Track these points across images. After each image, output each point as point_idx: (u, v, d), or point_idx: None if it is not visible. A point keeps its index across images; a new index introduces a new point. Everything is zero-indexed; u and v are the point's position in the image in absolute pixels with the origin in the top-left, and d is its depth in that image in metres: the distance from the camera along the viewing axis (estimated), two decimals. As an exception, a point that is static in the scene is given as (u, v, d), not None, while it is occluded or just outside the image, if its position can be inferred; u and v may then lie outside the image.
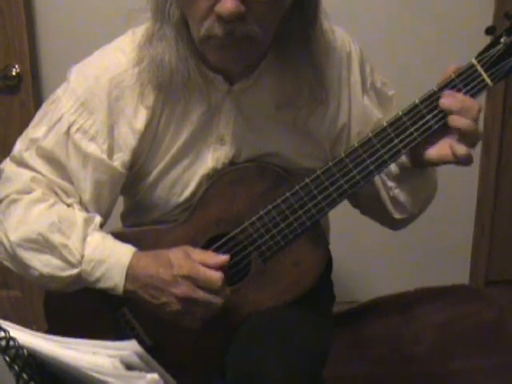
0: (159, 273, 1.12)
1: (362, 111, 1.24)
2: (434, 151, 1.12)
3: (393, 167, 1.21)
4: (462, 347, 2.10)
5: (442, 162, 1.12)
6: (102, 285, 1.14)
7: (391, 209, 1.26)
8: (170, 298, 1.12)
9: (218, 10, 1.00)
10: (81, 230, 1.14)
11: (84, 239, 1.14)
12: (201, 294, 1.12)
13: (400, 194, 1.23)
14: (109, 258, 1.13)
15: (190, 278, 1.11)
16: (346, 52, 1.23)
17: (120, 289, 1.14)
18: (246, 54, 1.07)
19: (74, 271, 1.13)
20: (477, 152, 2.28)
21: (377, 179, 1.25)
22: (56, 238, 1.14)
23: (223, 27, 1.01)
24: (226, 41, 1.03)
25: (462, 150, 1.08)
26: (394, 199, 1.24)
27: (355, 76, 1.23)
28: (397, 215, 1.27)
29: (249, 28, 1.02)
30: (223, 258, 1.15)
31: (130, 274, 1.13)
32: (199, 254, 1.14)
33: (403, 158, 1.17)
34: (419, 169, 1.18)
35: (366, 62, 1.26)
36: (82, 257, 1.13)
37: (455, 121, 1.08)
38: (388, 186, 1.24)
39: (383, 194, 1.25)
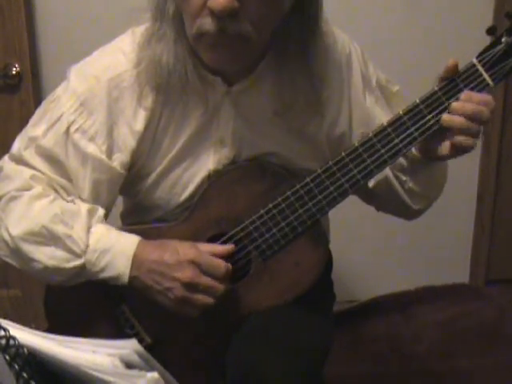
0: (164, 258, 1.13)
1: (365, 113, 1.24)
2: (444, 147, 1.11)
3: (404, 162, 1.21)
4: (462, 346, 2.10)
5: (454, 156, 1.12)
6: (107, 274, 1.14)
7: (409, 201, 1.26)
8: (174, 282, 1.12)
9: (210, 5, 1.00)
10: (85, 220, 1.14)
11: (88, 229, 1.14)
12: (204, 279, 1.12)
13: (416, 186, 1.23)
14: (114, 247, 1.14)
15: (195, 263, 1.12)
16: (345, 54, 1.23)
17: (125, 277, 1.13)
18: (239, 53, 1.07)
19: (79, 262, 1.13)
20: (477, 150, 2.28)
21: (390, 176, 1.25)
22: (60, 229, 1.13)
23: (215, 23, 1.01)
24: (218, 38, 1.03)
25: (464, 141, 1.08)
26: (410, 192, 1.25)
27: (356, 78, 1.23)
28: (416, 206, 1.27)
29: (242, 26, 1.02)
30: (228, 246, 1.16)
31: (136, 261, 1.13)
32: (205, 245, 1.16)
33: (414, 153, 1.17)
34: (432, 162, 1.18)
35: (368, 63, 1.26)
36: (87, 247, 1.13)
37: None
38: (402, 180, 1.24)
39: (399, 189, 1.25)
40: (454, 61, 1.08)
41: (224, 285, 1.14)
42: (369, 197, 1.34)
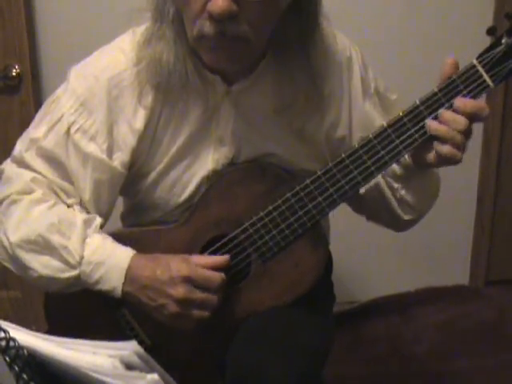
0: (157, 274, 1.12)
1: (364, 116, 1.24)
2: (432, 154, 1.10)
3: (397, 168, 1.20)
4: (462, 347, 2.10)
5: (439, 165, 1.11)
6: (101, 287, 1.14)
7: (399, 211, 1.25)
8: (167, 299, 1.12)
9: (209, 8, 1.00)
10: (80, 232, 1.14)
11: (83, 240, 1.14)
12: (198, 295, 1.12)
13: (407, 195, 1.23)
14: (108, 260, 1.13)
15: (188, 279, 1.11)
16: (346, 56, 1.23)
17: (118, 291, 1.14)
18: (239, 55, 1.07)
19: (73, 273, 1.13)
20: (477, 151, 2.28)
21: (382, 182, 1.25)
22: (56, 239, 1.14)
23: (214, 26, 1.02)
24: (217, 41, 1.03)
25: (449, 152, 1.07)
26: (401, 201, 1.24)
27: (356, 80, 1.23)
28: (406, 216, 1.26)
29: (240, 28, 1.02)
30: (223, 257, 1.15)
31: (129, 276, 1.13)
32: (198, 258, 1.15)
33: (407, 159, 1.16)
34: (425, 169, 1.18)
35: (367, 67, 1.26)
36: (82, 258, 1.13)
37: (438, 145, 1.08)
38: (394, 187, 1.23)
39: (389, 196, 1.25)
40: (452, 59, 1.08)
41: (218, 296, 1.14)
42: (359, 205, 1.33)
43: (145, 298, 1.14)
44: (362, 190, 1.27)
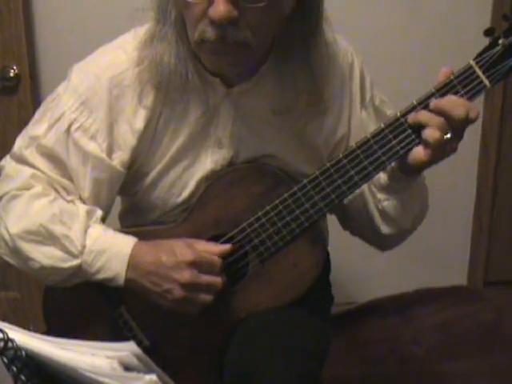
0: (162, 260, 1.13)
1: (360, 124, 1.24)
2: (420, 149, 1.09)
3: (383, 178, 1.19)
4: (460, 348, 2.09)
5: (430, 158, 1.09)
6: (103, 275, 1.14)
7: (379, 222, 1.24)
8: (173, 284, 1.12)
9: (210, 14, 1.01)
10: (82, 221, 1.15)
11: (85, 230, 1.15)
12: (204, 278, 1.13)
13: (389, 207, 1.21)
14: (110, 247, 1.14)
15: (193, 264, 1.12)
16: (348, 62, 1.24)
17: (121, 278, 1.14)
18: (240, 59, 1.08)
19: (75, 262, 1.14)
20: (475, 151, 2.28)
21: (366, 192, 1.23)
22: (57, 229, 1.14)
23: (215, 31, 1.02)
24: (218, 45, 1.04)
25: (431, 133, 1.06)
26: (382, 212, 1.22)
27: (356, 87, 1.24)
28: (384, 229, 1.24)
29: (241, 33, 1.03)
30: (226, 245, 1.16)
31: (132, 263, 1.14)
32: (201, 244, 1.16)
33: (395, 170, 1.15)
34: (410, 177, 1.16)
35: (366, 76, 1.26)
36: (84, 247, 1.14)
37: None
38: (377, 198, 1.22)
39: (371, 206, 1.23)
40: (446, 70, 1.08)
41: (222, 279, 1.14)
42: (345, 218, 1.31)
43: (149, 283, 1.14)
44: (345, 200, 1.25)
